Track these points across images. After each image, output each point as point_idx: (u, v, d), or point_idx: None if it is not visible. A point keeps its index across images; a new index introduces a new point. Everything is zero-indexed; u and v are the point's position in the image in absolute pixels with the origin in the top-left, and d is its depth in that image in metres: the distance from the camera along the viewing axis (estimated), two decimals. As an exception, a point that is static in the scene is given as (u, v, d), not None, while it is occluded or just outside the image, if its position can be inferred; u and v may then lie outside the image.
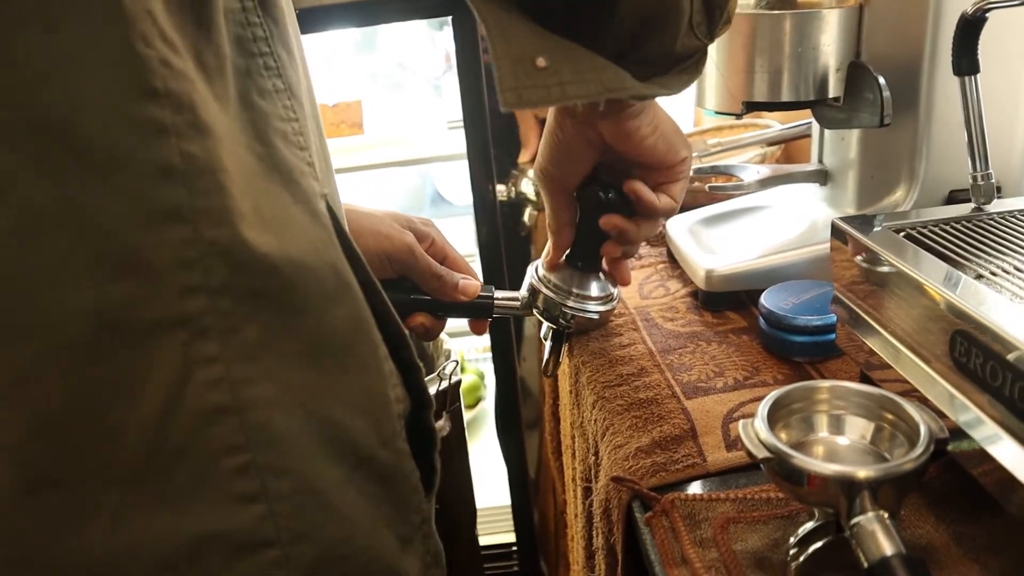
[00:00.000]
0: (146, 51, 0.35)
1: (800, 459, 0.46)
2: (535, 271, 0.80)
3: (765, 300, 0.74)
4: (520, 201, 1.33)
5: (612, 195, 0.68)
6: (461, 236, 1.92)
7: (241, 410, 0.38)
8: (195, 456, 0.38)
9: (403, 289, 0.76)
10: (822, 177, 0.87)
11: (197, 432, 0.37)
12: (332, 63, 2.14)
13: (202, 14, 0.38)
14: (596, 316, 0.79)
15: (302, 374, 0.41)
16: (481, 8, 0.48)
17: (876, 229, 0.59)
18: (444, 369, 1.08)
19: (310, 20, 1.25)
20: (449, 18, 1.33)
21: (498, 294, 0.79)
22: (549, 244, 0.73)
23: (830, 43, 0.74)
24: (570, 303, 0.78)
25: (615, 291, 0.74)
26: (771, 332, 0.73)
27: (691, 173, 0.70)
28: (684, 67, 0.55)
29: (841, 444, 0.51)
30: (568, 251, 0.73)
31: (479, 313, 0.79)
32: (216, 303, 0.38)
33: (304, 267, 0.41)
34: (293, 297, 0.40)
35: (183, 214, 0.36)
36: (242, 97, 0.41)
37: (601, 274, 0.74)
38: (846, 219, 0.61)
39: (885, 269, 0.55)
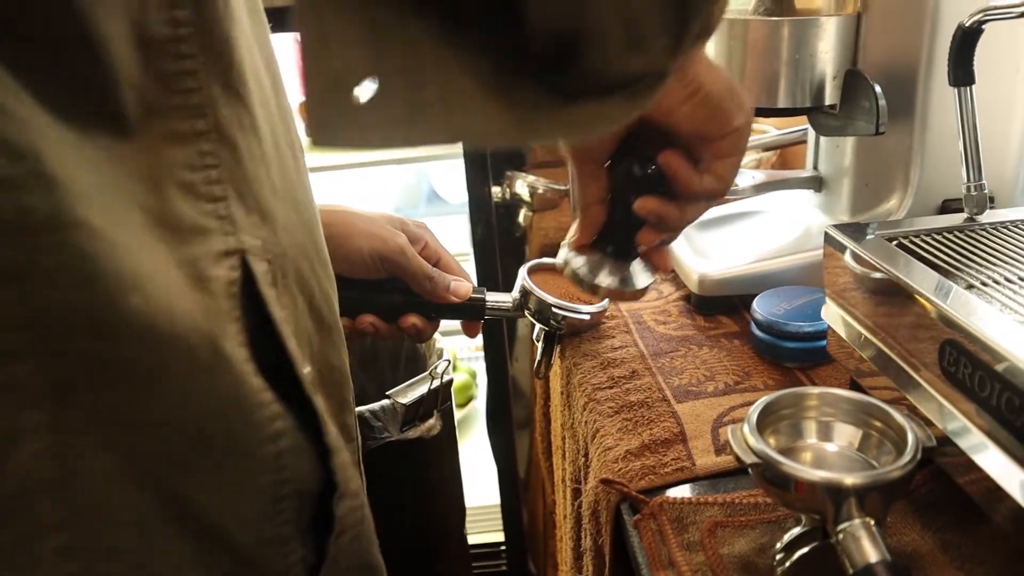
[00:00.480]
0: None
1: (788, 465, 0.46)
2: (526, 273, 0.80)
3: (757, 305, 0.74)
4: (515, 202, 1.33)
5: (650, 170, 0.55)
6: (456, 235, 1.92)
7: (69, 485, 0.35)
8: (12, 535, 0.34)
9: (396, 291, 0.76)
10: (817, 184, 0.87)
11: (17, 508, 0.34)
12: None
13: (75, 55, 0.35)
14: (587, 318, 0.79)
15: (153, 448, 0.38)
16: None
17: (869, 237, 0.59)
18: (436, 368, 1.08)
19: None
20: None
21: (490, 296, 0.79)
22: (575, 223, 0.61)
23: (827, 50, 0.74)
24: (561, 306, 0.78)
25: (652, 279, 0.62)
26: (763, 337, 0.73)
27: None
28: (632, 91, 0.38)
29: (829, 451, 0.51)
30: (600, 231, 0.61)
31: (471, 315, 0.80)
32: (49, 369, 0.34)
33: (170, 337, 0.37)
34: (150, 368, 0.37)
35: (12, 272, 0.33)
36: (144, 141, 0.37)
37: (637, 260, 0.61)
38: (839, 227, 0.62)
39: (877, 277, 0.55)
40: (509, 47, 0.34)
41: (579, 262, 0.60)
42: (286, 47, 2.05)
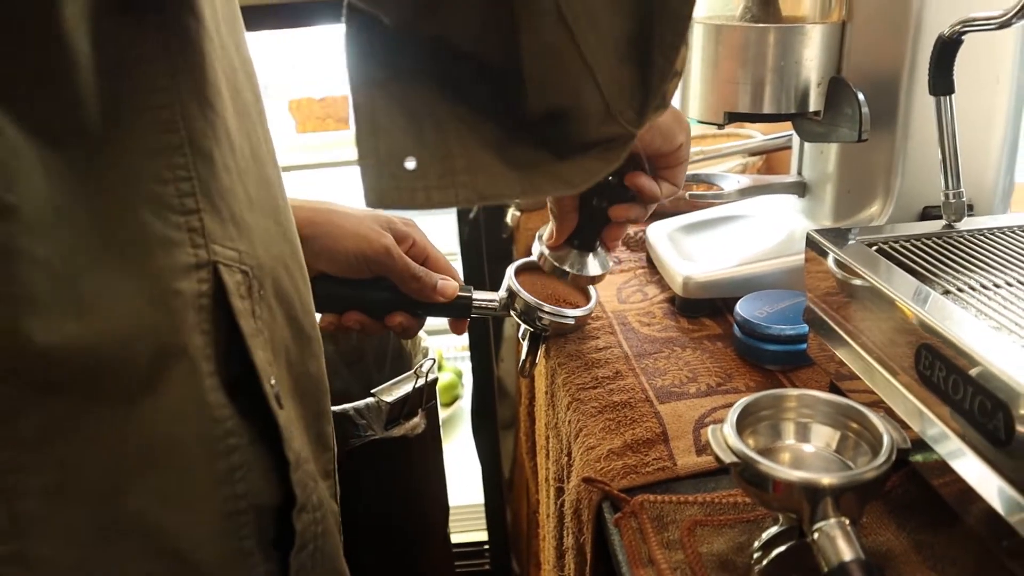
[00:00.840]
0: None
1: (766, 465, 0.46)
2: (513, 273, 0.81)
3: (740, 308, 0.75)
4: (503, 203, 1.34)
5: (612, 178, 0.70)
6: (444, 234, 1.93)
7: (8, 498, 0.37)
8: None
9: (383, 288, 0.76)
10: (801, 189, 0.88)
11: None
12: (320, 57, 2.14)
13: (52, 76, 0.36)
14: (572, 322, 0.80)
15: (102, 463, 0.39)
16: (359, 90, 0.41)
17: (850, 242, 0.60)
18: (421, 366, 1.09)
19: (299, 15, 1.25)
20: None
21: (477, 295, 0.80)
22: (552, 225, 0.74)
23: (812, 58, 0.75)
24: (546, 309, 0.79)
25: (610, 266, 0.77)
26: (745, 340, 0.74)
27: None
28: (606, 148, 0.46)
29: (807, 451, 0.52)
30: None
31: (458, 313, 0.80)
32: None
33: (112, 357, 0.39)
34: (94, 386, 0.38)
35: None
36: (115, 156, 0.38)
37: (598, 248, 0.76)
38: (821, 232, 0.63)
39: (856, 282, 0.56)
40: (512, 120, 0.44)
41: (552, 254, 0.75)
42: (303, 42, 2.06)
